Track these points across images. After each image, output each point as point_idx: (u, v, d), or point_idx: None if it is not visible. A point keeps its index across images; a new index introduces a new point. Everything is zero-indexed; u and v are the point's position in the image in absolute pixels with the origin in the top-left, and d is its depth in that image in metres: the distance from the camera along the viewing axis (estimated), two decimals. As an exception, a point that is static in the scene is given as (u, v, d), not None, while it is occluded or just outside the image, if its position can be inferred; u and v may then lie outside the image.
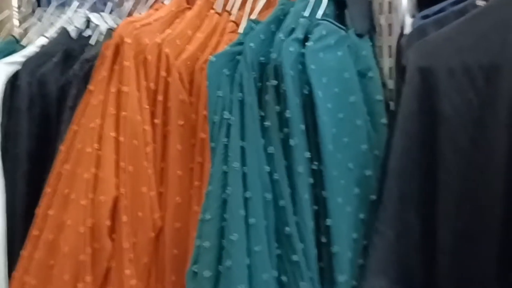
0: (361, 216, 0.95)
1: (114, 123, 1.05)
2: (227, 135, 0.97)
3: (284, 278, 0.91)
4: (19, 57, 1.32)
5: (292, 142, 0.94)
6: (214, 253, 0.92)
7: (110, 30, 1.32)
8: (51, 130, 1.22)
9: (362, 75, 0.99)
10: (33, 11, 1.59)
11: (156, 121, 1.07)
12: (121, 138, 1.04)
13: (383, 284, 0.88)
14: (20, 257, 1.08)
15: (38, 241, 1.06)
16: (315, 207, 0.94)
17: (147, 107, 1.06)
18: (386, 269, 0.88)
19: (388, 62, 1.04)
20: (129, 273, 0.99)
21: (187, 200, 1.04)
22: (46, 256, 1.04)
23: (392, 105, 1.00)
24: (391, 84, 1.03)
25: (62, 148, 1.10)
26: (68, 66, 1.27)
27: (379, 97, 0.99)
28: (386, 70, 1.04)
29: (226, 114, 0.97)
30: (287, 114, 0.93)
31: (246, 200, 0.92)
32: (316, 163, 0.94)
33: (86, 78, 1.16)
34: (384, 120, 0.98)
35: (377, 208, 0.90)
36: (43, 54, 1.33)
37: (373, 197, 0.94)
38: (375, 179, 0.94)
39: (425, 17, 0.97)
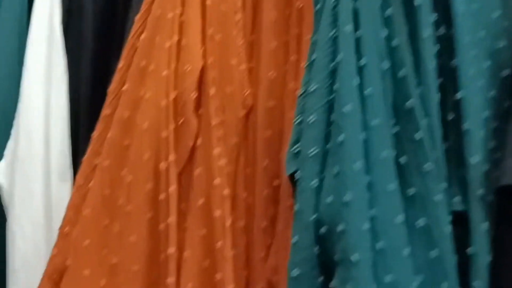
0: (492, 93, 0.83)
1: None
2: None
3: (403, 159, 0.80)
4: None
5: (416, 1, 0.81)
6: (321, 128, 0.81)
7: None
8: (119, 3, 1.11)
9: None
10: None
11: (246, -15, 0.95)
12: (208, 2, 0.92)
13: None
14: (90, 139, 0.99)
15: (111, 120, 0.96)
16: (440, 79, 0.82)
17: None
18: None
19: None
20: (218, 152, 0.89)
21: (282, 75, 0.93)
22: (121, 135, 0.94)
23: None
24: None
25: (137, 17, 0.99)
26: None
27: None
28: None
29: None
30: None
31: (360, 68, 0.81)
32: (444, 27, 0.82)
33: None
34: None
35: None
36: None
37: (506, 72, 0.82)
38: (509, 52, 0.82)
39: None
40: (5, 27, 1.19)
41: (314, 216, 0.79)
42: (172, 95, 0.90)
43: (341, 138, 0.78)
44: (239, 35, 0.93)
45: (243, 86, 0.92)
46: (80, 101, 1.12)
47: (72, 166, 1.10)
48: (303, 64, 0.91)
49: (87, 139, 1.03)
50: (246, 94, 0.93)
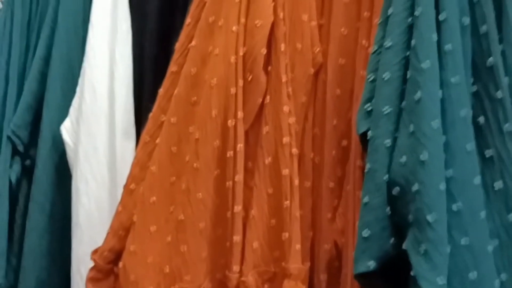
0: None
1: None
2: None
3: (481, 119, 0.78)
4: None
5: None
6: (396, 85, 0.79)
7: None
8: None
9: None
10: None
11: None
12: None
13: None
14: (157, 96, 1.00)
15: (178, 77, 0.97)
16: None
17: None
18: None
19: None
20: (287, 110, 0.89)
21: (354, 32, 0.92)
22: (188, 91, 0.94)
23: None
24: None
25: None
26: None
27: None
28: None
29: None
30: None
31: (439, 23, 0.79)
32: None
33: None
34: None
35: None
36: None
37: None
38: None
39: None
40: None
41: (386, 176, 0.78)
42: (241, 51, 0.90)
43: (418, 95, 0.76)
44: (311, -8, 0.92)
45: (313, 43, 0.91)
46: (145, 57, 1.13)
47: (135, 123, 1.12)
48: (376, 21, 0.89)
49: (152, 96, 1.05)
50: (316, 51, 0.92)
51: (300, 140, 0.92)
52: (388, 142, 0.79)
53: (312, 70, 0.92)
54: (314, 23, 0.92)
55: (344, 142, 0.92)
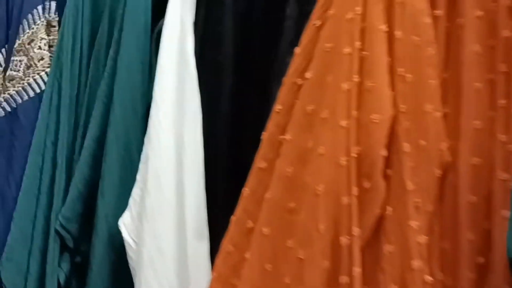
0: None
1: (383, 10, 0.78)
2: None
3: None
4: None
5: None
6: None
7: None
8: (265, 29, 0.98)
9: None
10: None
11: (437, 12, 0.79)
12: (397, 33, 0.77)
13: None
14: (240, 197, 0.85)
15: (268, 175, 0.82)
16: None
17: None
18: None
19: None
20: (416, 225, 0.73)
21: (489, 124, 0.77)
22: (283, 196, 0.80)
23: None
24: None
25: (299, 49, 0.85)
26: None
27: None
28: None
29: None
30: None
31: None
32: None
33: None
34: None
35: None
36: None
37: None
38: None
39: None
40: (126, 54, 1.08)
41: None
42: (354, 152, 0.76)
43: None
44: (434, 74, 0.77)
45: (439, 138, 0.77)
46: (218, 144, 0.99)
47: (208, 222, 0.98)
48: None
49: (229, 192, 0.92)
50: (443, 148, 0.77)
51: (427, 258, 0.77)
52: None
53: (438, 172, 0.77)
54: (439, 113, 0.77)
55: (481, 260, 0.77)
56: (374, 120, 0.75)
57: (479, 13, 0.79)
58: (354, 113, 0.77)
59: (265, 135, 0.86)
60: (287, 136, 0.82)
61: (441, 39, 0.80)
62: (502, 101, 0.78)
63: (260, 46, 0.99)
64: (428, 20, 0.79)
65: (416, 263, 0.73)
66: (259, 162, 0.85)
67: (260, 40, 0.99)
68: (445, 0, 0.80)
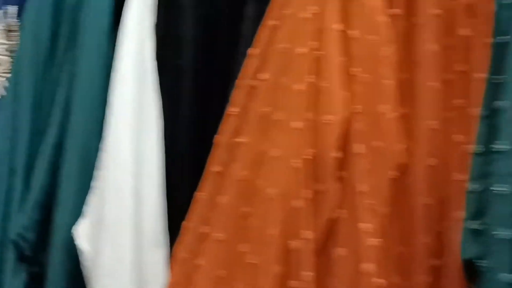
0: None
1: (340, 10, 0.77)
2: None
3: None
4: None
5: None
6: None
7: None
8: (225, 33, 0.96)
9: None
10: None
11: (394, 10, 0.79)
12: (351, 32, 0.76)
13: None
14: (193, 202, 0.83)
15: (222, 179, 0.81)
16: None
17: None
18: None
19: None
20: (367, 228, 0.72)
21: (446, 125, 0.76)
22: (238, 201, 0.79)
23: None
24: None
25: (252, 51, 0.83)
26: None
27: None
28: None
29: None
30: None
31: None
32: None
33: None
34: None
35: None
36: None
37: None
38: None
39: None
40: (86, 59, 1.06)
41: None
42: (307, 154, 0.74)
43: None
44: (390, 73, 0.76)
45: (394, 139, 0.75)
46: (179, 151, 0.96)
47: (167, 230, 0.96)
48: (473, 110, 0.74)
49: (192, 197, 0.90)
50: (398, 149, 0.75)
51: (383, 263, 0.75)
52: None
53: (393, 173, 0.75)
54: (394, 114, 0.76)
55: (436, 262, 0.75)
56: (327, 122, 0.74)
57: (437, 11, 0.78)
58: (308, 114, 0.76)
59: (218, 139, 0.84)
60: (242, 139, 0.81)
61: (399, 38, 0.80)
62: (458, 101, 0.77)
63: (220, 49, 0.97)
64: (384, 19, 0.78)
65: (366, 266, 0.71)
66: (213, 166, 0.84)
67: (220, 42, 0.98)
68: (401, -2, 0.80)
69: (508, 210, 0.64)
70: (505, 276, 0.64)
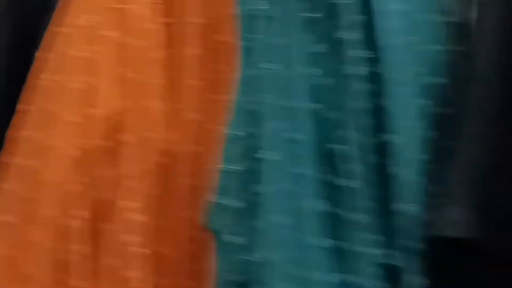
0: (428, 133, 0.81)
1: (112, 18, 0.89)
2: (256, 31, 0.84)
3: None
4: None
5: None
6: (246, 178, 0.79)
7: None
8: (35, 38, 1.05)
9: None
10: None
11: (162, 19, 0.91)
12: (123, 38, 0.89)
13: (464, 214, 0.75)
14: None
15: (7, 169, 0.90)
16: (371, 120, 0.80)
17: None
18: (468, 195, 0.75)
19: None
20: (134, 206, 0.84)
21: (207, 117, 0.90)
22: (26, 187, 0.88)
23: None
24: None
25: (38, 53, 0.93)
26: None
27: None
28: None
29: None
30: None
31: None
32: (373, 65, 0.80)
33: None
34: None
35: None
36: None
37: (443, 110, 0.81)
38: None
39: None
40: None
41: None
42: (80, 144, 0.86)
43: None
44: (159, 74, 0.89)
45: (162, 130, 0.88)
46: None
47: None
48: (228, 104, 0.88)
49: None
50: (166, 139, 0.88)
51: (151, 236, 0.87)
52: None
53: (162, 159, 0.87)
54: (161, 108, 0.88)
55: (197, 233, 0.89)
56: (96, 115, 0.86)
57: (201, 20, 0.91)
58: (81, 109, 0.87)
59: (10, 133, 0.93)
60: (28, 133, 0.90)
61: (168, 43, 0.92)
62: (218, 96, 0.91)
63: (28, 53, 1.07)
64: (153, 26, 0.91)
65: (128, 238, 0.84)
66: (4, 158, 0.92)
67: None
68: (170, 8, 0.92)
69: (234, 184, 0.80)
70: (225, 236, 0.80)
